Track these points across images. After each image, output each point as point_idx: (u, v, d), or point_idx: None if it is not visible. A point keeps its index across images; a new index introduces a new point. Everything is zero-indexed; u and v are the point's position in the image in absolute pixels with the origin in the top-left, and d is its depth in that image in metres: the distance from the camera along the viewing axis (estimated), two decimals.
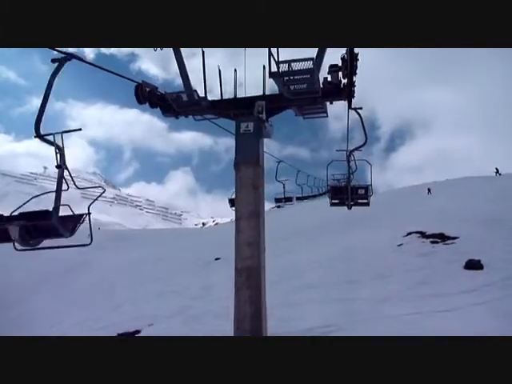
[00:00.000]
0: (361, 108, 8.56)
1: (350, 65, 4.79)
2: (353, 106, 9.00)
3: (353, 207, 11.23)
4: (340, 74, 5.14)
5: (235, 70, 5.78)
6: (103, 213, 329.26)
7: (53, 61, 4.26)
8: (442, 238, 19.46)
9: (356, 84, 5.23)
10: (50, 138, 4.56)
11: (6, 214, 4.63)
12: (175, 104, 5.55)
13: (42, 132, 4.52)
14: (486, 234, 18.74)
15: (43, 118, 4.40)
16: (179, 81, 5.61)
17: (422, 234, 20.94)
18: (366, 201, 11.18)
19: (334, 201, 11.45)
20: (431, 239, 19.71)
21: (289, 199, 22.35)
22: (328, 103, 5.76)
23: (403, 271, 15.66)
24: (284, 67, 4.53)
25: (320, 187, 35.35)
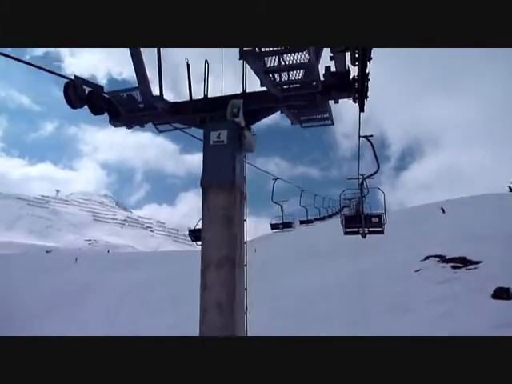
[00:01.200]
0: (372, 136, 8.23)
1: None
2: (363, 134, 8.16)
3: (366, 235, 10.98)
4: (348, 56, 3.76)
5: (206, 62, 4.50)
6: (114, 235, 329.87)
7: None
8: (463, 262, 17.85)
9: (370, 77, 3.92)
10: None
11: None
12: (124, 108, 4.28)
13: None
14: (510, 257, 17.20)
15: None
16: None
17: (442, 258, 19.33)
18: (380, 229, 10.91)
19: (347, 230, 11.28)
20: (452, 264, 18.08)
21: (288, 224, 18.97)
22: (332, 105, 4.38)
23: (423, 302, 14.11)
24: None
25: (330, 207, 33.43)
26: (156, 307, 26.69)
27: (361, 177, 12.40)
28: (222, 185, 3.95)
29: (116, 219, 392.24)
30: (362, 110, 4.45)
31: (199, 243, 4.33)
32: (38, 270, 51.34)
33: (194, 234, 12.35)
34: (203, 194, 4.03)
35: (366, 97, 4.12)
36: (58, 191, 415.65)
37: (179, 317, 21.72)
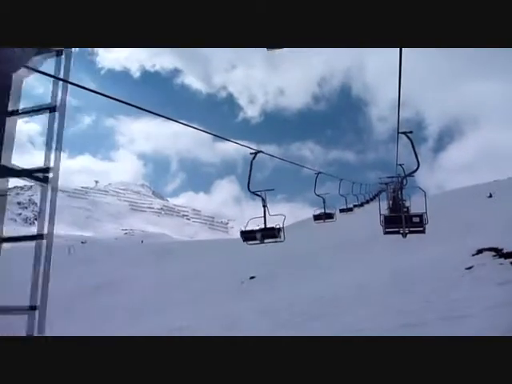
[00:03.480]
0: (411, 132, 8.35)
1: None
2: (402, 130, 8.28)
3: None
4: None
5: None
6: (151, 224, 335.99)
7: None
8: None
9: None
10: None
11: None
12: None
13: None
14: None
15: None
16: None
17: (498, 252, 16.72)
18: (421, 229, 10.89)
19: (387, 229, 11.21)
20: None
21: (330, 215, 19.95)
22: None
23: (481, 309, 11.49)
24: None
25: (367, 193, 32.59)
26: (178, 305, 25.40)
27: (399, 167, 12.88)
28: None
29: (152, 208, 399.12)
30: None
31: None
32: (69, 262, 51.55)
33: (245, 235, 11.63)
34: None
35: None
36: (96, 182, 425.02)
37: (197, 319, 20.24)
